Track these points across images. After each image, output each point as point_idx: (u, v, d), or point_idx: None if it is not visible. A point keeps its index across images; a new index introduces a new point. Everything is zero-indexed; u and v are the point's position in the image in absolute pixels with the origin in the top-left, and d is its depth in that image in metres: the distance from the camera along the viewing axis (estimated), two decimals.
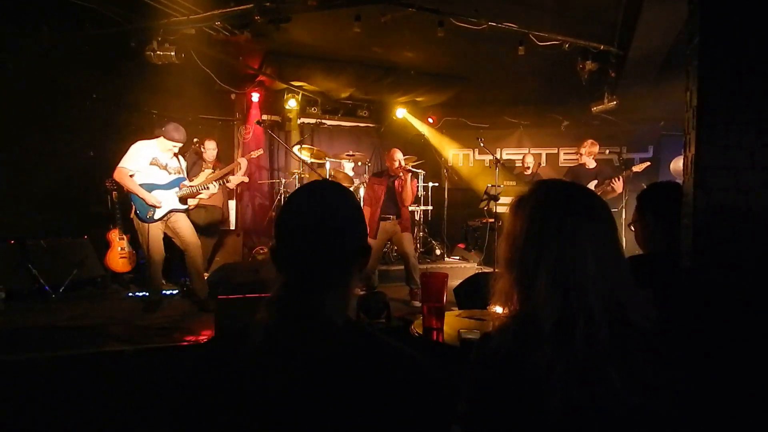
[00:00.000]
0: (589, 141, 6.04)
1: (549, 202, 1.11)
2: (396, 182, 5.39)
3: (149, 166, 4.57)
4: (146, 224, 4.52)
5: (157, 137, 4.64)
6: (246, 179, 5.33)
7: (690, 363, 1.09)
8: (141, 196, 4.48)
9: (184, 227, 4.70)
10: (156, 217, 4.54)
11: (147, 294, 4.84)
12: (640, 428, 0.99)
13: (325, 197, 1.06)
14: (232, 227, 6.95)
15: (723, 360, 1.63)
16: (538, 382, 0.98)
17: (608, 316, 1.01)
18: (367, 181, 6.07)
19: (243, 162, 5.15)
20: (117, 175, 4.51)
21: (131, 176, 4.50)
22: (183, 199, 4.74)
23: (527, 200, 1.14)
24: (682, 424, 1.02)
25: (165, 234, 4.69)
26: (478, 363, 1.09)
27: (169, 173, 4.69)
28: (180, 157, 4.85)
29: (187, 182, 4.78)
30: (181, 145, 4.67)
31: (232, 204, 7.06)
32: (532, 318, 1.04)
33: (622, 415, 0.98)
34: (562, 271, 1.03)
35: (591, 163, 6.01)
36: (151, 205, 4.51)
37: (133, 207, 4.56)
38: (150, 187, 4.54)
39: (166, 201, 4.60)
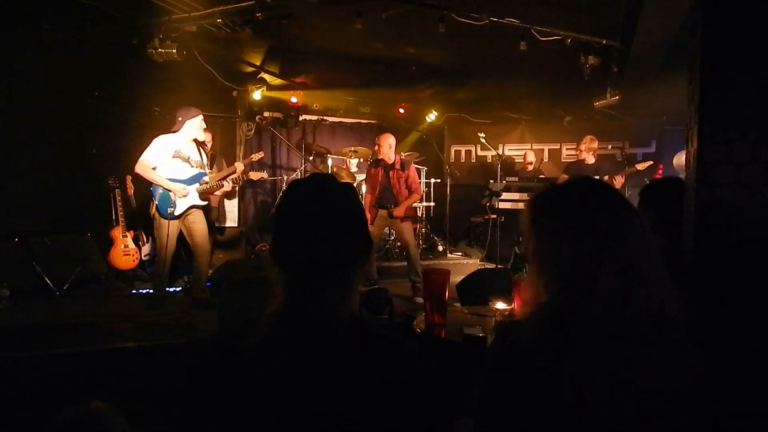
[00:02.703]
0: (588, 137, 6.00)
1: (588, 200, 1.10)
2: (391, 173, 5.37)
3: (172, 159, 4.50)
4: (167, 220, 4.45)
5: (176, 131, 4.57)
6: (265, 175, 5.40)
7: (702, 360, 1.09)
8: (165, 186, 4.42)
9: (199, 230, 4.65)
10: (176, 213, 4.48)
11: (151, 291, 4.85)
12: (659, 425, 0.99)
13: (327, 192, 1.02)
14: (227, 224, 6.94)
15: (723, 357, 1.63)
16: (562, 373, 0.98)
17: (645, 313, 1.01)
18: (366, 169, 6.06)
19: (239, 166, 5.15)
20: (138, 168, 4.43)
21: (153, 169, 4.45)
22: (203, 195, 4.69)
23: (558, 197, 1.13)
24: (698, 423, 1.02)
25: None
26: (501, 352, 1.08)
27: (192, 166, 4.63)
28: (202, 150, 4.82)
29: (207, 177, 4.72)
30: (201, 117, 4.60)
31: (229, 203, 7.06)
32: (564, 310, 1.03)
33: (644, 412, 0.97)
34: (601, 267, 1.02)
35: (590, 159, 5.98)
36: (178, 195, 4.45)
37: (154, 202, 4.52)
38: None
39: (187, 196, 4.56)
